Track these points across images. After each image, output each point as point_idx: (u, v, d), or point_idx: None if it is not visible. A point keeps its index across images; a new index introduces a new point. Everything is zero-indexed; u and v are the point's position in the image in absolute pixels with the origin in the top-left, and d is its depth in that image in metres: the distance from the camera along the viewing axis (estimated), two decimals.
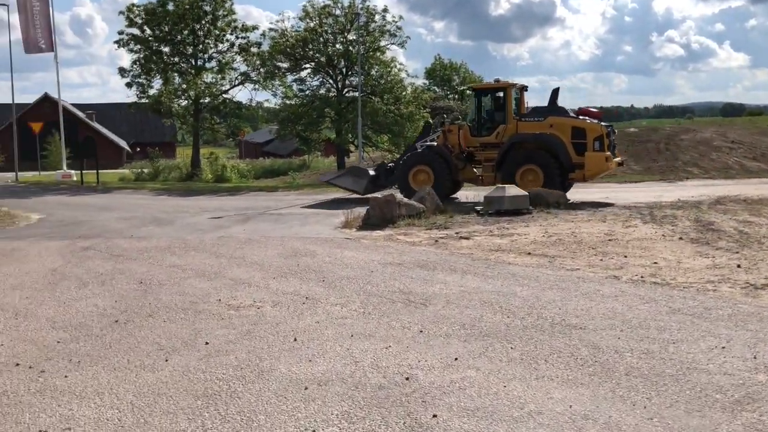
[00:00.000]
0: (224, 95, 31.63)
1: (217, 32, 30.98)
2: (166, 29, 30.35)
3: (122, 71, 31.02)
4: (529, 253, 9.05)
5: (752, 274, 7.42)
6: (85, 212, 16.69)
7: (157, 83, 31.09)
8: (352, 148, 32.34)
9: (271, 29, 31.17)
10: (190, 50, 31.23)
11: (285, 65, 30.47)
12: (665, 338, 5.29)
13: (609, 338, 5.32)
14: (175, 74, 31.32)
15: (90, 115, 56.17)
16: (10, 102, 33.81)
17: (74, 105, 56.69)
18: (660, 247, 9.22)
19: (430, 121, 23.08)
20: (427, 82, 50.09)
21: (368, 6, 29.96)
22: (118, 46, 30.83)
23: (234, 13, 31.27)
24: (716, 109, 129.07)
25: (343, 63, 29.94)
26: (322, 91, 30.45)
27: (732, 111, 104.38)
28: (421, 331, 5.66)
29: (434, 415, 3.96)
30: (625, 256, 8.63)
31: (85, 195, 23.27)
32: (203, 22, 30.64)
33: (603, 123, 16.46)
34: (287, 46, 29.54)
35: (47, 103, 47.94)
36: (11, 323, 6.27)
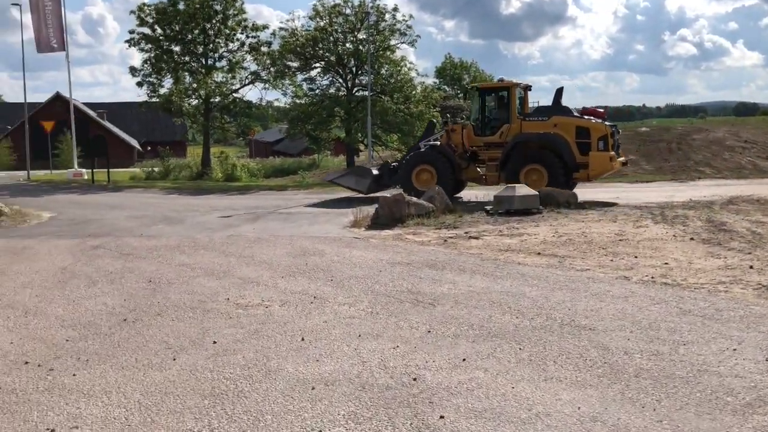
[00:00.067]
0: (234, 94, 31.73)
1: (228, 31, 31.07)
2: (177, 28, 30.47)
3: (133, 70, 31.20)
4: (539, 253, 9.01)
5: (765, 275, 7.34)
6: (95, 211, 16.77)
7: (167, 82, 31.26)
8: (361, 147, 32.34)
9: (281, 28, 31.25)
10: (200, 49, 31.34)
11: (295, 64, 30.51)
12: (675, 340, 5.24)
13: (618, 339, 5.27)
14: (186, 73, 31.43)
15: (101, 114, 56.52)
16: (23, 101, 33.98)
17: (86, 104, 57.08)
18: (671, 248, 9.15)
19: (433, 120, 23.03)
20: (437, 81, 50.04)
21: (378, 5, 29.98)
22: (129, 46, 30.99)
23: (244, 13, 31.38)
24: (729, 109, 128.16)
25: (353, 62, 29.94)
26: (331, 91, 30.47)
27: (745, 110, 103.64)
28: (429, 332, 5.64)
29: (441, 416, 3.94)
30: (636, 257, 8.57)
31: (95, 193, 23.39)
32: (214, 21, 30.73)
33: (607, 123, 16.41)
34: (297, 46, 29.57)
35: (59, 102, 48.27)
36: (21, 321, 6.30)
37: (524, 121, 16.63)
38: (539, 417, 3.91)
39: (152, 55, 30.79)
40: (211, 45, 31.34)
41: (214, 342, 5.50)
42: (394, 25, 30.04)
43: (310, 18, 30.35)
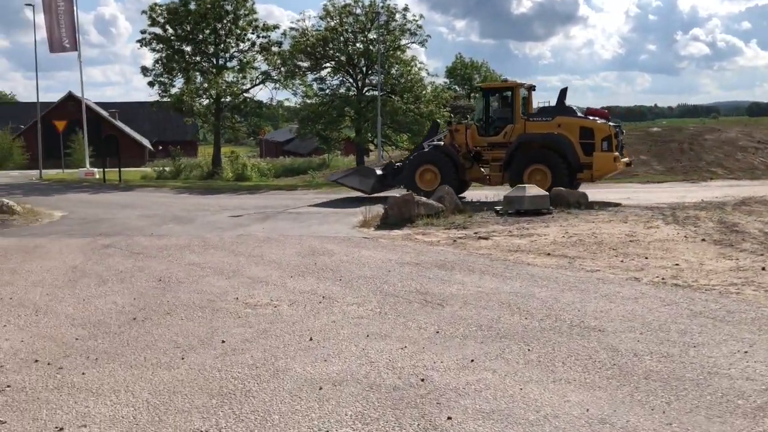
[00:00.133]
0: (245, 94, 31.83)
1: (239, 31, 31.16)
2: (188, 28, 30.60)
3: (145, 70, 31.35)
4: (549, 254, 8.97)
5: None
6: (106, 210, 16.87)
7: (179, 82, 31.39)
8: (371, 147, 32.36)
9: (292, 28, 31.33)
10: (211, 49, 31.45)
11: (305, 64, 30.56)
12: (686, 341, 5.20)
13: (628, 341, 5.24)
14: (197, 73, 31.55)
15: (113, 114, 56.87)
16: (35, 101, 34.23)
17: (98, 103, 57.46)
18: (682, 249, 9.08)
19: (437, 120, 23.03)
20: (447, 81, 49.99)
21: (389, 5, 30.00)
22: (141, 46, 31.16)
23: (255, 13, 31.48)
24: (742, 109, 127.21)
25: (363, 62, 29.96)
26: (342, 90, 30.51)
27: (758, 110, 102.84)
28: (438, 332, 5.62)
29: (449, 417, 3.92)
30: (646, 258, 8.51)
31: (107, 193, 23.52)
32: (225, 21, 30.84)
33: (611, 123, 16.39)
34: (308, 46, 29.62)
35: (71, 101, 48.58)
36: (32, 320, 6.34)
37: (528, 121, 16.63)
38: (547, 419, 3.89)
39: (163, 55, 30.94)
40: (221, 45, 31.45)
41: (223, 341, 5.51)
42: (405, 24, 30.06)
43: (321, 18, 30.44)
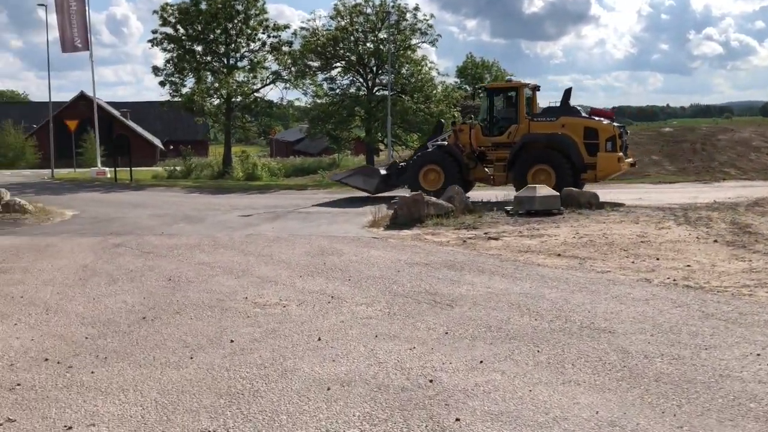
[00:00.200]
0: (256, 94, 31.91)
1: (249, 31, 31.24)
2: (199, 28, 30.71)
3: (156, 70, 31.49)
4: (559, 255, 8.92)
5: None
6: (117, 209, 16.95)
7: (189, 82, 31.52)
8: (381, 146, 32.35)
9: (302, 28, 31.40)
10: (222, 49, 31.54)
11: (316, 64, 30.60)
12: (697, 344, 5.15)
13: (639, 343, 5.20)
14: (208, 73, 31.66)
15: (125, 113, 57.16)
16: (48, 100, 34.45)
17: (109, 103, 57.77)
18: (694, 250, 9.01)
19: (442, 120, 23.04)
20: (458, 80, 49.90)
21: (399, 4, 29.98)
22: (152, 45, 31.29)
23: (266, 12, 31.56)
24: (756, 109, 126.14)
25: (373, 62, 29.96)
26: (352, 90, 30.53)
27: None
28: (447, 333, 5.60)
29: (457, 419, 3.90)
30: (658, 259, 8.45)
31: (118, 192, 23.64)
32: (235, 21, 30.92)
33: (615, 123, 16.35)
34: (318, 45, 29.66)
35: (83, 101, 48.86)
36: (42, 318, 6.37)
37: (532, 121, 16.61)
38: (556, 421, 3.86)
39: (175, 54, 31.06)
40: (232, 45, 31.54)
41: (232, 341, 5.51)
42: (415, 24, 30.03)
43: (331, 18, 30.47)
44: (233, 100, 31.07)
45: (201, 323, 6.09)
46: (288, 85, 31.74)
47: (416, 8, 30.16)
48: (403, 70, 30.03)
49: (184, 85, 31.43)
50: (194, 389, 4.47)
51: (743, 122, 37.60)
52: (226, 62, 31.78)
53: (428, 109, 28.39)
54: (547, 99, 18.09)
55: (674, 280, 7.30)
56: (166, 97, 31.76)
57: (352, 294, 7.04)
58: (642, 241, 9.73)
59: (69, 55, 35.34)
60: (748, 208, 13.34)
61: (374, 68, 30.11)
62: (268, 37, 31.66)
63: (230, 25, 30.98)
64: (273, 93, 68.85)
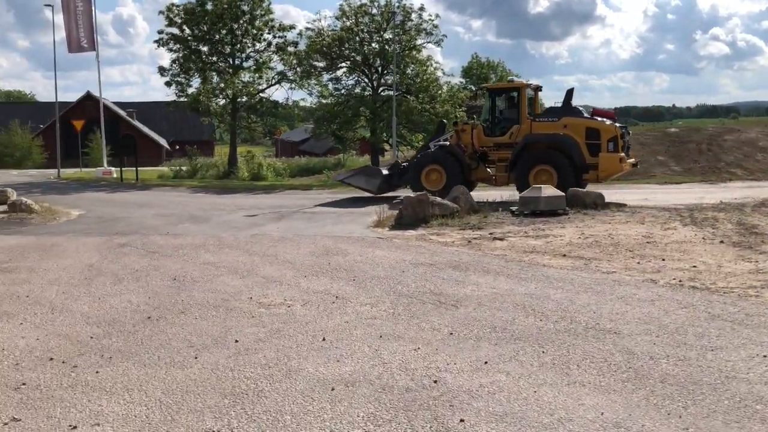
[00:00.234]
0: (261, 94, 31.91)
1: (255, 32, 31.25)
2: (205, 29, 30.74)
3: (162, 70, 31.53)
4: (565, 255, 8.90)
5: None
6: (123, 209, 16.99)
7: (195, 82, 31.55)
8: (386, 147, 32.34)
9: (307, 28, 31.39)
10: (227, 49, 31.57)
11: (321, 64, 30.60)
12: (703, 345, 5.13)
13: (644, 344, 5.18)
14: (213, 73, 31.70)
15: (131, 113, 57.31)
16: (54, 100, 34.56)
17: (116, 103, 57.92)
18: (700, 251, 8.98)
19: (444, 120, 23.07)
20: (463, 80, 49.84)
21: (404, 5, 29.94)
22: (158, 46, 31.34)
23: (271, 13, 31.55)
24: (762, 109, 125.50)
25: (378, 62, 29.95)
26: (357, 90, 30.52)
27: None
28: (451, 334, 5.59)
29: (461, 420, 3.89)
30: (663, 259, 8.42)
31: (124, 192, 23.69)
32: (241, 21, 30.94)
33: (617, 124, 16.36)
34: (323, 46, 29.66)
35: (89, 101, 48.99)
36: (47, 318, 6.38)
37: (534, 121, 16.63)
38: (561, 422, 3.85)
39: (180, 55, 31.11)
40: (238, 45, 31.56)
41: (236, 341, 5.51)
42: (421, 24, 30.00)
43: (337, 18, 30.47)
44: (239, 100, 31.09)
45: (206, 323, 6.09)
46: (293, 85, 31.78)
47: (421, 8, 30.16)
48: (409, 71, 30.00)
49: (190, 86, 31.51)
50: (199, 389, 4.47)
51: (750, 122, 37.44)
52: (231, 62, 31.81)
53: (433, 110, 28.36)
54: (552, 99, 18.04)
55: (680, 281, 7.27)
56: (172, 98, 31.82)
57: (357, 294, 7.04)
58: (648, 242, 9.70)
59: (75, 55, 35.55)
60: (754, 208, 13.27)
61: (379, 68, 30.10)
62: (274, 37, 31.69)
63: (236, 26, 31.01)
64: (278, 93, 69.01)
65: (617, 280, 7.38)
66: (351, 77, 30.86)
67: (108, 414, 4.11)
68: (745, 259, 8.37)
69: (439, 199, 12.97)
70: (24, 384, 4.63)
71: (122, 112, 55.91)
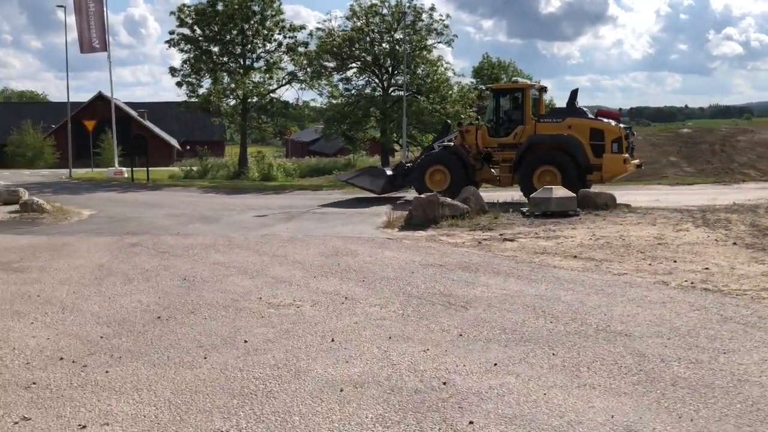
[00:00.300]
0: (271, 95, 31.96)
1: (266, 32, 31.30)
2: (216, 29, 30.82)
3: (173, 71, 31.64)
4: (575, 257, 8.85)
5: None
6: (134, 209, 17.06)
7: (206, 83, 31.62)
8: (397, 147, 32.35)
9: (318, 29, 31.47)
10: (238, 50, 31.65)
11: (331, 65, 30.66)
12: (715, 348, 5.08)
13: (655, 346, 5.13)
14: (224, 74, 31.77)
15: (142, 114, 57.63)
16: (66, 100, 34.77)
17: (127, 103, 58.26)
18: (712, 252, 8.90)
19: (449, 121, 23.06)
20: (474, 81, 49.75)
21: (415, 5, 30.01)
22: (169, 46, 31.44)
23: (282, 13, 31.59)
24: None
25: (389, 62, 29.97)
26: (367, 91, 30.56)
27: None
28: (461, 335, 5.57)
29: (471, 422, 3.87)
30: (675, 261, 8.36)
31: (135, 192, 23.80)
32: (252, 22, 31.00)
33: (621, 125, 16.35)
34: (334, 46, 29.71)
35: (101, 101, 49.29)
36: (58, 317, 6.41)
37: (538, 122, 16.63)
38: (571, 425, 3.82)
39: (191, 55, 31.20)
40: (249, 45, 31.63)
41: (245, 341, 5.51)
42: (431, 24, 30.01)
43: (347, 18, 30.52)
44: (249, 100, 31.15)
45: (215, 323, 6.10)
46: (304, 85, 31.81)
47: (432, 8, 30.23)
48: (419, 71, 30.00)
49: (201, 86, 31.59)
50: (207, 389, 4.47)
51: (763, 123, 37.17)
52: (242, 63, 31.89)
53: (444, 110, 28.34)
54: (564, 100, 17.86)
55: (692, 282, 7.21)
56: (183, 98, 31.92)
57: (366, 295, 7.02)
58: (659, 243, 9.63)
59: (87, 55, 35.92)
60: (767, 210, 13.15)
61: (390, 69, 30.11)
62: (284, 37, 31.72)
63: (247, 26, 31.07)
64: (289, 94, 69.15)
65: (628, 282, 7.33)
66: (361, 77, 30.93)
67: (117, 414, 4.12)
68: (758, 261, 8.29)
69: (449, 199, 12.93)
70: (34, 383, 4.65)
71: (133, 113, 56.22)
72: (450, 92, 29.41)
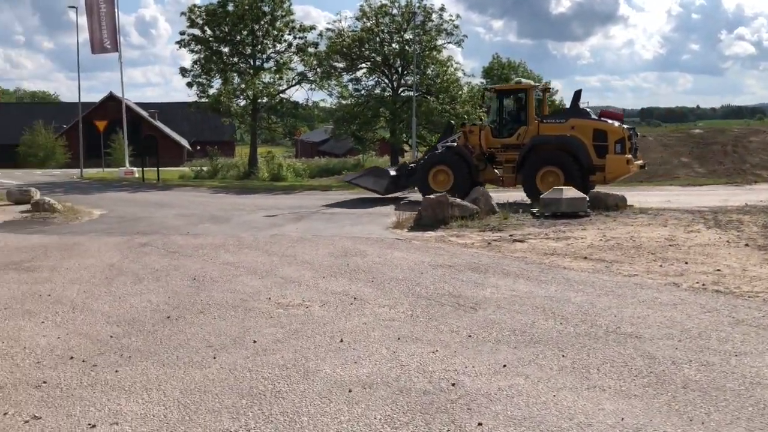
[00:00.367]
0: (281, 95, 32.01)
1: (276, 32, 31.34)
2: (226, 30, 30.89)
3: (183, 71, 31.73)
4: (586, 258, 8.81)
5: None
6: (144, 209, 17.14)
7: (216, 83, 31.69)
8: (406, 147, 32.33)
9: (328, 29, 31.48)
10: (248, 50, 31.71)
11: (341, 65, 30.69)
12: (727, 350, 5.04)
13: (666, 348, 5.10)
14: (234, 74, 31.85)
15: (153, 114, 57.88)
16: (77, 101, 34.98)
17: (138, 104, 58.55)
18: (724, 254, 8.84)
19: (452, 121, 23.04)
20: (484, 81, 49.66)
21: (425, 5, 29.97)
22: (180, 47, 31.54)
23: (292, 14, 31.61)
24: None
25: (398, 62, 29.97)
26: (377, 91, 30.57)
27: None
28: (470, 336, 5.55)
29: (479, 423, 3.86)
30: (686, 263, 8.30)
31: (145, 192, 23.90)
32: (262, 22, 31.05)
33: (625, 125, 16.29)
34: (344, 46, 29.73)
35: (112, 102, 49.54)
36: (68, 317, 6.44)
37: (542, 123, 16.62)
38: (581, 427, 3.80)
39: (202, 56, 31.28)
40: (259, 46, 31.67)
41: (254, 341, 5.52)
42: (441, 25, 29.99)
43: (357, 19, 30.53)
44: (259, 101, 31.20)
45: (224, 323, 6.11)
46: (313, 86, 31.80)
47: (442, 9, 30.19)
48: (429, 71, 29.98)
49: (211, 86, 31.65)
50: (217, 389, 4.48)
51: None
52: (252, 63, 31.95)
53: (454, 110, 28.31)
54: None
55: (703, 284, 7.16)
56: (194, 98, 32.02)
57: (375, 295, 7.02)
58: (670, 245, 9.57)
59: (98, 56, 35.85)
60: None
61: (399, 69, 30.11)
62: (294, 38, 31.74)
63: (257, 27, 31.12)
64: (299, 94, 69.24)
65: (639, 284, 7.29)
66: (371, 78, 30.94)
67: (126, 413, 4.14)
68: None
69: (458, 200, 12.91)
70: (44, 382, 4.68)
71: (144, 113, 56.48)
72: (460, 93, 29.38)
